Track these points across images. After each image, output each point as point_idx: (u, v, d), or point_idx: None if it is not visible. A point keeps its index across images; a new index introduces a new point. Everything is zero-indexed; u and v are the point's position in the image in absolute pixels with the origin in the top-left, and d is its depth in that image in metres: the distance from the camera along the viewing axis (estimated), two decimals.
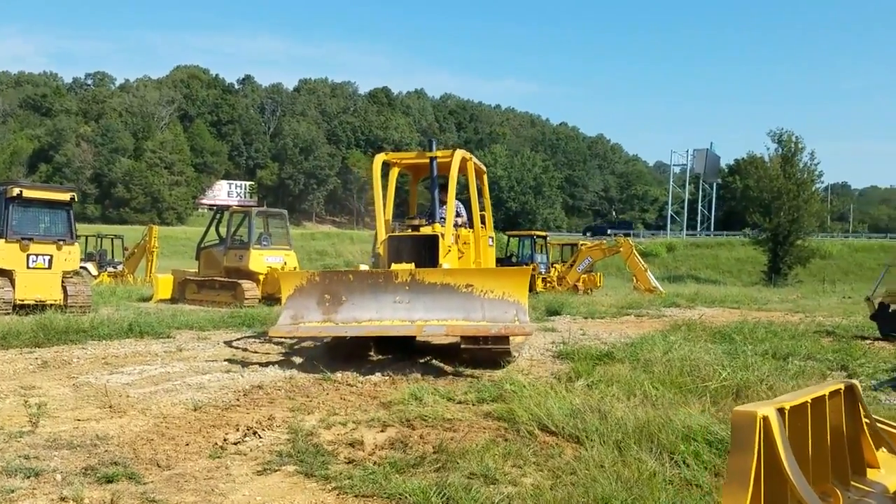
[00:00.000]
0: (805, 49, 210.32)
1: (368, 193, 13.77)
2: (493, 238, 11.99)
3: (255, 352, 10.13)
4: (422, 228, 9.93)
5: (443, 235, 9.52)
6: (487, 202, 11.83)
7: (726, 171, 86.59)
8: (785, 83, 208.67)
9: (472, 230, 10.93)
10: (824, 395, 2.39)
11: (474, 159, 10.99)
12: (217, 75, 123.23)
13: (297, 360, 9.30)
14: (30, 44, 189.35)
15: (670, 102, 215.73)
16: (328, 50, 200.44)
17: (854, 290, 34.42)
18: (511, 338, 8.59)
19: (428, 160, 10.32)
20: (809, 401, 2.26)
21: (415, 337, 9.50)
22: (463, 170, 10.72)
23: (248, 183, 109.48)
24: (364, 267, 10.16)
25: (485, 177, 11.74)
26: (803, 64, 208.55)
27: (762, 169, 52.62)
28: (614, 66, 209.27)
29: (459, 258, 10.32)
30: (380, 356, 9.49)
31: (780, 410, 2.03)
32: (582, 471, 4.68)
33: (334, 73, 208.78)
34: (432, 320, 8.30)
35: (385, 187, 10.63)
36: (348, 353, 9.19)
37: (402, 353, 9.40)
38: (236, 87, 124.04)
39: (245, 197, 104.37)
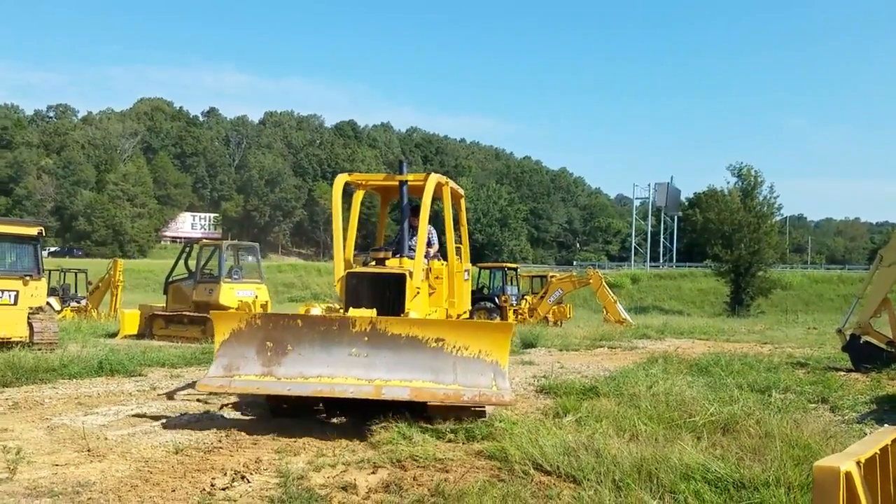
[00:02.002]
0: (755, 85, 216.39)
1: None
2: (468, 271, 10.62)
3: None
4: (388, 262, 8.67)
5: (411, 274, 8.16)
6: (465, 231, 10.54)
7: (686, 204, 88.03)
8: (739, 119, 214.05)
9: (445, 263, 9.73)
10: (887, 444, 2.36)
11: (451, 184, 9.75)
12: (181, 108, 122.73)
13: None
14: None
15: (631, 137, 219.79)
16: (293, 84, 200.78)
17: (816, 320, 35.00)
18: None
19: (397, 183, 9.12)
20: (878, 451, 2.23)
21: None
22: (438, 195, 9.52)
23: (212, 215, 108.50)
24: (316, 310, 8.65)
25: (462, 202, 10.49)
26: (753, 100, 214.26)
27: (722, 202, 53.57)
28: (576, 101, 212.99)
29: (431, 294, 9.08)
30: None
31: (858, 464, 1.99)
32: None
33: (300, 106, 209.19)
34: (394, 380, 6.95)
35: (348, 214, 9.34)
36: (292, 411, 7.93)
37: (357, 413, 7.72)
38: (201, 119, 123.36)
39: (209, 229, 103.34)
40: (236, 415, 8.16)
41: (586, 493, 5.04)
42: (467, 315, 10.50)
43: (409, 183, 9.04)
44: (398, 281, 8.19)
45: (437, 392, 6.86)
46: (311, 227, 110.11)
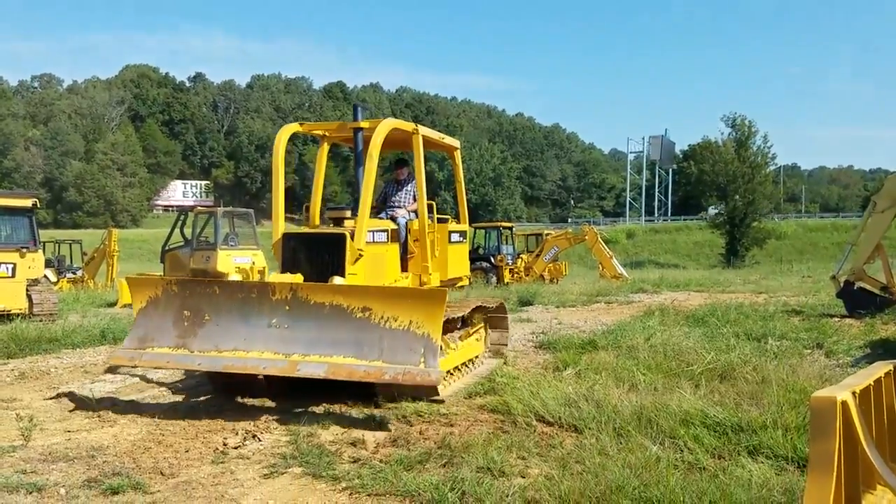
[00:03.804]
0: (750, 34, 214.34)
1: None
2: (463, 234, 9.40)
3: None
4: (346, 223, 7.76)
5: (352, 235, 7.19)
6: (460, 189, 9.60)
7: (681, 156, 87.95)
8: (733, 69, 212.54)
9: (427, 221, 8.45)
10: (880, 377, 2.45)
11: (428, 131, 8.54)
12: (167, 74, 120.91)
13: None
14: None
15: (623, 90, 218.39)
16: (280, 46, 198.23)
17: (811, 269, 35.27)
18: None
19: (351, 132, 8.13)
20: (872, 383, 2.32)
21: None
22: (399, 143, 8.55)
23: (203, 182, 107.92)
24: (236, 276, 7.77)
25: (457, 155, 9.51)
26: (748, 49, 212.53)
27: (717, 153, 53.55)
28: (567, 56, 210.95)
29: (410, 257, 8.26)
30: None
31: (853, 394, 2.08)
32: (588, 459, 4.74)
33: (287, 68, 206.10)
34: (312, 356, 6.16)
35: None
36: (222, 386, 7.27)
37: (301, 391, 6.96)
38: (188, 85, 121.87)
39: (201, 197, 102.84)
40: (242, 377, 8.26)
41: (588, 441, 5.19)
42: (466, 283, 9.93)
43: (364, 131, 8.01)
44: (336, 242, 7.24)
45: (356, 369, 6.00)
46: (304, 192, 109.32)
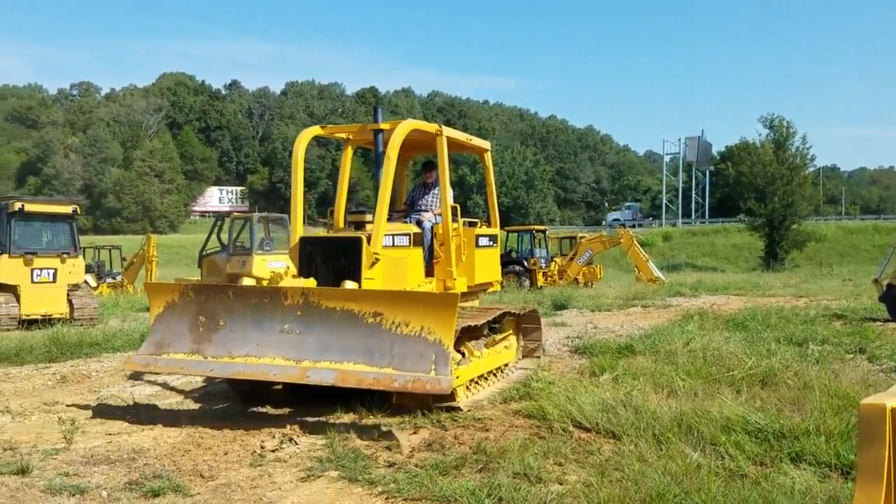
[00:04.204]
0: (786, 34, 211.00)
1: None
2: (494, 237, 9.14)
3: None
4: (367, 226, 7.59)
5: (368, 238, 7.05)
6: (491, 191, 9.44)
7: (718, 158, 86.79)
8: (771, 69, 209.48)
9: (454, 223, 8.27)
10: None
11: (454, 132, 8.42)
12: (203, 81, 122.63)
13: None
14: (12, 56, 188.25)
15: (658, 91, 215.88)
16: (313, 53, 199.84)
17: (852, 272, 34.59)
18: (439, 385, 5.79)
19: (372, 134, 7.98)
20: None
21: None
22: (426, 146, 8.39)
23: (239, 188, 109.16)
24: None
25: (487, 157, 9.37)
26: (785, 49, 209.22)
27: (755, 155, 52.84)
28: (600, 58, 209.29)
29: (436, 262, 8.06)
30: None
31: None
32: (627, 466, 4.68)
33: (321, 75, 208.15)
34: (323, 362, 6.05)
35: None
36: (241, 394, 7.26)
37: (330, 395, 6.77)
38: (223, 92, 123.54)
39: (236, 202, 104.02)
40: None
41: (627, 448, 5.12)
42: (498, 288, 9.71)
43: (384, 132, 7.83)
44: (351, 246, 7.10)
45: (365, 377, 5.86)
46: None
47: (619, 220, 50.89)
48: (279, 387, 7.10)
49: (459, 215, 8.23)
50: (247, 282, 7.38)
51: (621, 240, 29.43)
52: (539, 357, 8.69)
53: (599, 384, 7.17)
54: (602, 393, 6.57)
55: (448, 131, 8.15)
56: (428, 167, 8.62)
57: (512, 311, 8.19)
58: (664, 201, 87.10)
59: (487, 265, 8.81)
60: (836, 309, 15.20)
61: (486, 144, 9.37)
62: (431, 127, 8.02)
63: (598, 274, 29.58)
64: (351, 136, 8.50)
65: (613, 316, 15.99)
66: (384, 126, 7.85)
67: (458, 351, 6.91)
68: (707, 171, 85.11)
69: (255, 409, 6.87)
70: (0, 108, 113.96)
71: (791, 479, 4.42)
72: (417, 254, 7.86)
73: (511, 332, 8.33)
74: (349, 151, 8.71)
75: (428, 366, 5.79)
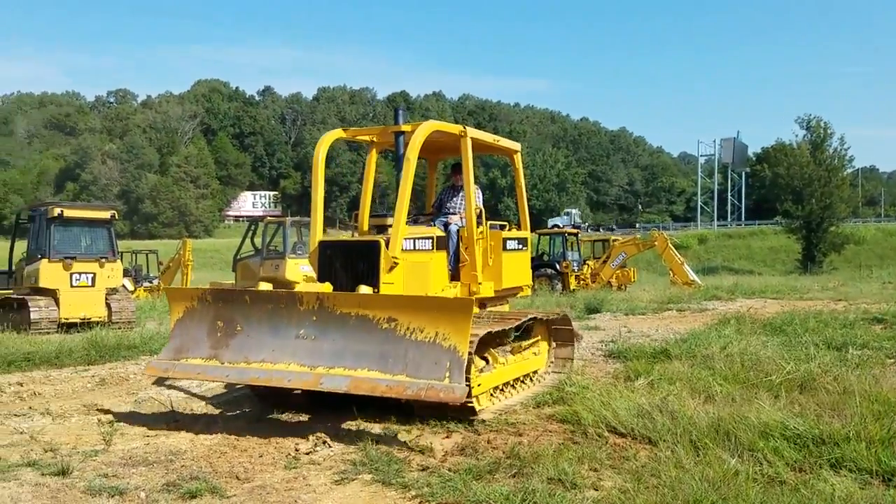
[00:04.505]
0: (824, 33, 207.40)
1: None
2: (523, 241, 8.94)
3: None
4: (389, 228, 7.34)
5: (387, 242, 6.94)
6: (521, 193, 9.28)
7: (754, 159, 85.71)
8: (808, 69, 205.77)
9: (479, 227, 8.06)
10: None
11: (480, 133, 8.30)
12: (237, 88, 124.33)
13: None
14: (50, 64, 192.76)
15: (692, 93, 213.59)
16: (345, 58, 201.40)
17: (892, 274, 33.91)
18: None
19: (393, 136, 7.87)
20: None
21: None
22: (452, 149, 8.27)
23: (272, 193, 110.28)
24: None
25: (517, 158, 9.16)
26: (823, 49, 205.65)
27: (791, 156, 52.16)
28: (633, 59, 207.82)
29: (462, 266, 7.93)
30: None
31: None
32: (664, 472, 4.62)
33: (352, 80, 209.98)
34: (338, 368, 5.96)
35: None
36: (262, 399, 7.29)
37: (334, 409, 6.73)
38: (257, 98, 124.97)
39: (269, 207, 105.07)
40: None
41: (663, 454, 5.06)
42: (528, 292, 9.52)
43: (405, 134, 7.73)
44: (369, 250, 7.00)
45: (378, 384, 5.75)
46: (371, 203, 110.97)
47: (558, 225, 50.36)
48: (299, 391, 7.07)
49: (485, 218, 8.08)
50: (263, 287, 7.32)
51: (655, 242, 29.10)
52: (571, 362, 8.44)
53: (635, 389, 7.09)
54: (637, 398, 6.49)
55: (473, 132, 8.02)
56: (456, 170, 8.48)
57: (540, 316, 7.99)
58: (699, 203, 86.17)
59: (516, 269, 8.61)
60: (876, 312, 14.85)
61: (515, 146, 9.20)
62: (455, 128, 7.90)
63: (631, 277, 29.29)
64: (375, 139, 8.40)
65: (648, 320, 15.83)
66: (405, 128, 7.74)
67: (483, 357, 6.82)
68: (743, 173, 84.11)
69: (289, 412, 6.91)
70: (39, 116, 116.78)
71: (831, 486, 4.34)
72: (441, 258, 7.73)
73: (540, 338, 8.08)
74: (374, 155, 8.65)
75: (442, 373, 5.64)
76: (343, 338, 6.08)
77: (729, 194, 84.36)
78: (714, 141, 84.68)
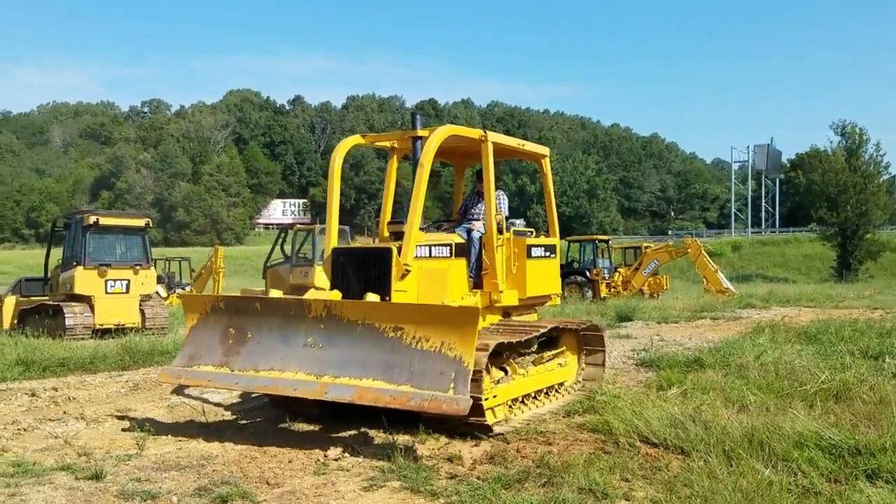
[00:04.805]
0: (858, 38, 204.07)
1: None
2: (551, 248, 8.60)
3: None
4: (400, 236, 7.25)
5: (399, 249, 6.78)
6: (550, 199, 8.98)
7: (788, 166, 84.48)
8: (842, 74, 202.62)
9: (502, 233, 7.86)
10: None
11: (502, 138, 8.09)
12: (268, 97, 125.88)
13: None
14: (85, 74, 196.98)
15: (725, 98, 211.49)
16: (374, 66, 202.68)
17: None
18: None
19: (411, 141, 7.78)
20: None
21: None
22: (474, 155, 8.14)
23: (301, 201, 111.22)
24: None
25: (545, 163, 8.89)
26: (857, 53, 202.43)
27: (826, 163, 51.35)
28: (664, 64, 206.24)
29: (484, 274, 7.70)
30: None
31: None
32: (696, 483, 4.55)
33: (381, 88, 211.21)
34: (343, 377, 5.85)
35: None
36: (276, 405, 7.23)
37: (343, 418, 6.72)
38: (287, 107, 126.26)
39: (299, 214, 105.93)
40: None
41: (696, 464, 4.98)
42: (557, 301, 9.13)
43: (423, 140, 7.55)
44: (380, 257, 6.85)
45: (382, 394, 5.62)
46: (396, 208, 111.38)
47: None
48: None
49: (504, 225, 7.89)
50: (273, 294, 7.27)
51: (689, 250, 28.75)
52: (602, 369, 8.24)
53: (667, 398, 7.00)
54: (670, 407, 6.40)
55: (495, 136, 7.82)
56: (480, 175, 8.26)
57: (565, 326, 7.78)
58: (733, 210, 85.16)
59: (543, 277, 8.29)
60: None
61: (543, 150, 8.97)
62: (474, 132, 7.77)
63: (664, 285, 29.01)
64: (395, 145, 8.34)
65: (681, 328, 15.66)
66: (423, 133, 7.62)
67: (501, 368, 6.68)
68: (777, 180, 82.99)
69: (317, 419, 6.93)
70: (74, 125, 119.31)
71: (867, 497, 4.26)
72: (460, 265, 7.53)
73: (565, 348, 7.86)
74: (394, 161, 8.57)
75: (447, 384, 5.46)
76: (350, 346, 5.99)
77: (763, 201, 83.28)
78: (747, 147, 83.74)
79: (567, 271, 25.92)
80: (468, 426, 6.08)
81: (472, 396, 5.55)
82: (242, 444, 5.98)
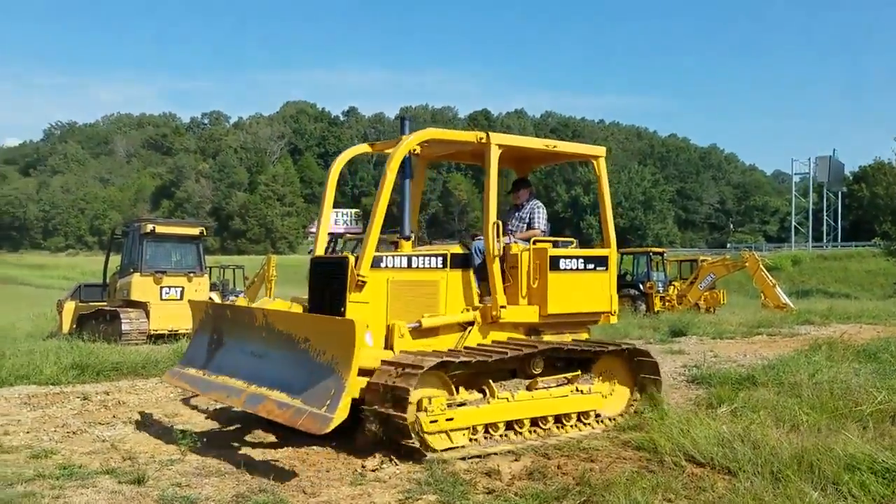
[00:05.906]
0: None
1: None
2: (599, 259, 7.55)
3: None
4: (403, 244, 7.25)
5: (357, 260, 6.38)
6: (605, 206, 7.90)
7: (851, 178, 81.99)
8: None
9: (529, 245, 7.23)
10: None
11: (512, 139, 7.37)
12: (323, 109, 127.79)
13: None
14: (149, 87, 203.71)
15: (785, 109, 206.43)
16: (428, 77, 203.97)
17: None
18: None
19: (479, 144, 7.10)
20: None
21: None
22: (532, 157, 7.92)
23: (353, 210, 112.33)
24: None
25: (599, 164, 7.82)
26: None
27: (890, 175, 49.67)
28: (723, 74, 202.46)
29: (506, 288, 6.98)
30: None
31: None
32: None
33: (434, 99, 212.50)
34: (263, 388, 5.85)
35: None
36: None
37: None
38: (341, 119, 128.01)
39: (350, 224, 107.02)
40: None
41: (742, 485, 4.83)
42: (613, 319, 7.71)
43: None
44: (336, 267, 6.53)
45: (275, 408, 5.52)
46: (446, 219, 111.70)
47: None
48: None
49: (500, 232, 7.00)
50: (239, 302, 7.40)
51: (746, 263, 27.97)
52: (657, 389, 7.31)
53: (716, 417, 6.79)
54: (719, 426, 6.20)
55: (500, 138, 7.10)
56: (517, 186, 7.91)
57: (580, 347, 6.89)
58: (793, 223, 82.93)
59: (580, 291, 7.30)
60: None
61: (595, 150, 8.01)
62: (470, 135, 7.07)
63: (720, 299, 28.24)
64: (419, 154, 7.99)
65: (736, 344, 15.26)
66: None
67: (480, 390, 6.27)
68: (839, 193, 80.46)
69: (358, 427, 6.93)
70: (137, 136, 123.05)
71: None
72: (456, 276, 6.99)
73: (594, 373, 7.07)
74: (422, 165, 8.41)
75: (324, 401, 5.21)
76: (277, 356, 6.05)
77: (824, 214, 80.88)
78: (809, 159, 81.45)
79: (620, 284, 25.49)
80: (406, 447, 5.74)
81: (395, 416, 5.49)
82: (283, 452, 6.02)
